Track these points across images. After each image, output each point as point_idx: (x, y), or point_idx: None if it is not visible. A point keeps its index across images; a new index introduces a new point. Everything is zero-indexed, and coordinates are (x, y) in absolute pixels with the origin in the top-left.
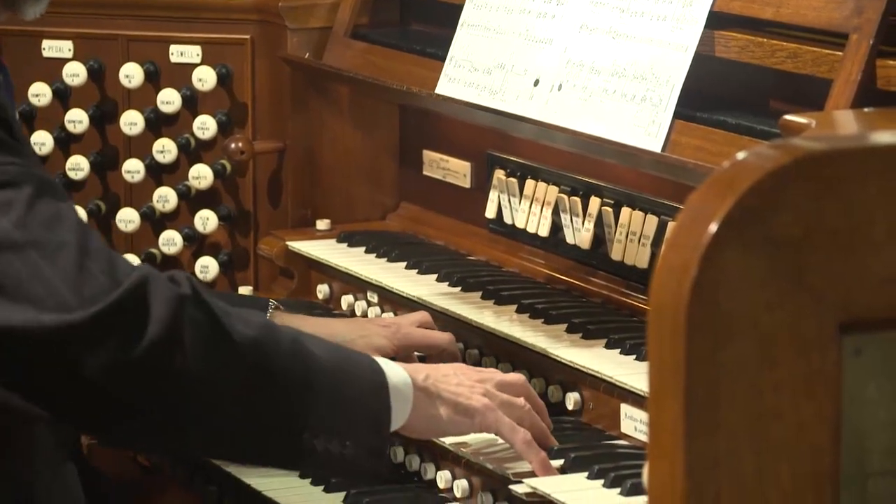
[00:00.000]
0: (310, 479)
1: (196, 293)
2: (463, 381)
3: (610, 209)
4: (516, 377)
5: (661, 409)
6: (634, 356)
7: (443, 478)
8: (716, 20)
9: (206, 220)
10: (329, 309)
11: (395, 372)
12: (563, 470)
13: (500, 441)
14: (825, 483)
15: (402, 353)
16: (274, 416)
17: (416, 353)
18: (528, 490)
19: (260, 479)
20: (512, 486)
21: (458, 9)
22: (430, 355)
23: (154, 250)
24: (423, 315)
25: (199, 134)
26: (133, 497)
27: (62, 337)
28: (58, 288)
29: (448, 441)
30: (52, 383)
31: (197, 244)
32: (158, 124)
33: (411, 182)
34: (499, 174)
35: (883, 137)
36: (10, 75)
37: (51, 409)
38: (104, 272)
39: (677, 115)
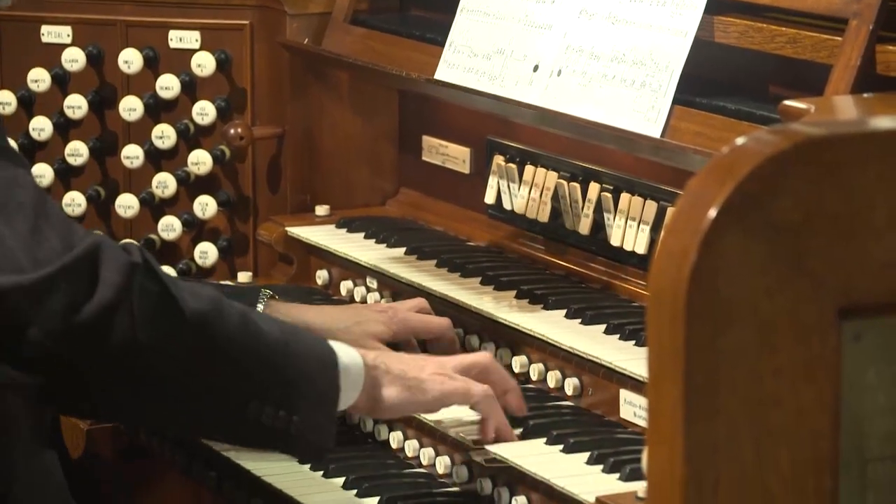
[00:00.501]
0: (309, 465)
1: (147, 263)
2: (417, 360)
3: (609, 195)
4: (480, 355)
5: (661, 395)
6: (634, 341)
7: (412, 447)
8: (715, 5)
9: (205, 206)
10: (328, 295)
11: (347, 353)
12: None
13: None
14: (824, 468)
15: (399, 338)
16: (219, 388)
17: (414, 340)
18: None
19: (259, 465)
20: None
21: None
22: (429, 341)
23: (153, 236)
24: (420, 301)
25: (198, 119)
26: (131, 483)
27: (13, 298)
28: (11, 249)
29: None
30: (5, 344)
31: (196, 230)
32: (157, 110)
33: (411, 168)
34: (498, 160)
35: (882, 123)
36: (9, 62)
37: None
38: (59, 236)
39: (676, 100)
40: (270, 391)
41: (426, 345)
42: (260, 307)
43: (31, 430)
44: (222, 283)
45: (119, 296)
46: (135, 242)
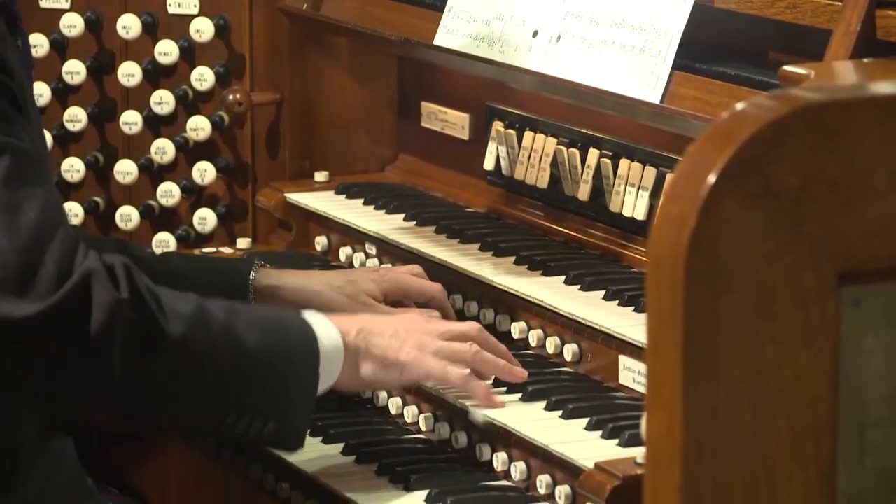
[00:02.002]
0: (308, 431)
1: (134, 292)
2: (399, 333)
3: (608, 161)
4: (468, 325)
5: (660, 360)
6: (633, 307)
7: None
8: None
9: (204, 172)
10: (327, 261)
11: (328, 334)
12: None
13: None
14: (823, 433)
15: (390, 299)
16: (197, 401)
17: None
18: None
19: None
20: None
21: None
22: (421, 304)
23: (152, 202)
24: (414, 267)
25: (196, 85)
26: (132, 452)
27: (3, 328)
28: (6, 264)
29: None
30: None
31: (195, 196)
32: (156, 76)
33: (410, 134)
34: (497, 126)
35: (882, 88)
36: None
37: None
38: (56, 261)
39: (676, 66)
40: (246, 404)
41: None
42: (252, 274)
43: (40, 417)
44: (214, 253)
45: (105, 334)
46: (122, 262)
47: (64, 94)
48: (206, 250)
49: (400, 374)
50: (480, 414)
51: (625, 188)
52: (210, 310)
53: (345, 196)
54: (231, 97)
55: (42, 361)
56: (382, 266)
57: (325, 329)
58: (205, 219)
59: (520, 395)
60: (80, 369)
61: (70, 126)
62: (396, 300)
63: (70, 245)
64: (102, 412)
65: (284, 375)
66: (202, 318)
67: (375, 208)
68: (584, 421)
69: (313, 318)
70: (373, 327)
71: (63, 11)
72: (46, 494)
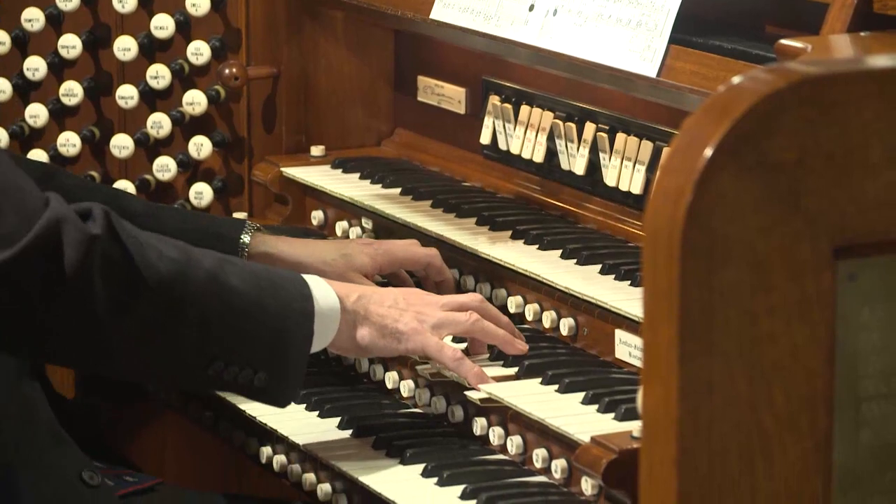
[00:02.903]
0: (305, 405)
1: (110, 230)
2: (399, 303)
3: (605, 135)
4: (469, 296)
5: (656, 334)
6: (629, 282)
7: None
8: None
9: (200, 147)
10: (323, 235)
11: (324, 295)
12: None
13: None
14: (819, 406)
15: (385, 272)
16: (180, 348)
17: (405, 274)
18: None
19: (255, 406)
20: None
21: None
22: (420, 273)
23: (148, 177)
24: (411, 242)
25: (192, 60)
26: (127, 424)
27: None
28: None
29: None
30: None
31: (191, 170)
32: (152, 50)
33: (406, 108)
34: (494, 100)
35: (879, 61)
36: (3, 1)
37: None
38: (14, 210)
39: (672, 39)
40: (235, 352)
41: (421, 284)
42: (246, 238)
43: (10, 360)
44: (208, 214)
45: (81, 273)
46: (100, 205)
47: (60, 69)
48: None
49: (397, 343)
50: (477, 394)
51: (621, 162)
52: (198, 255)
53: (341, 170)
54: (227, 71)
55: (20, 309)
56: (376, 240)
57: (323, 290)
58: (201, 193)
59: (516, 369)
60: (61, 314)
61: (66, 100)
62: (392, 272)
63: (25, 189)
64: (88, 360)
65: (277, 328)
66: (189, 261)
67: (372, 182)
68: (581, 395)
69: (311, 279)
70: (372, 295)
71: None
72: (20, 440)
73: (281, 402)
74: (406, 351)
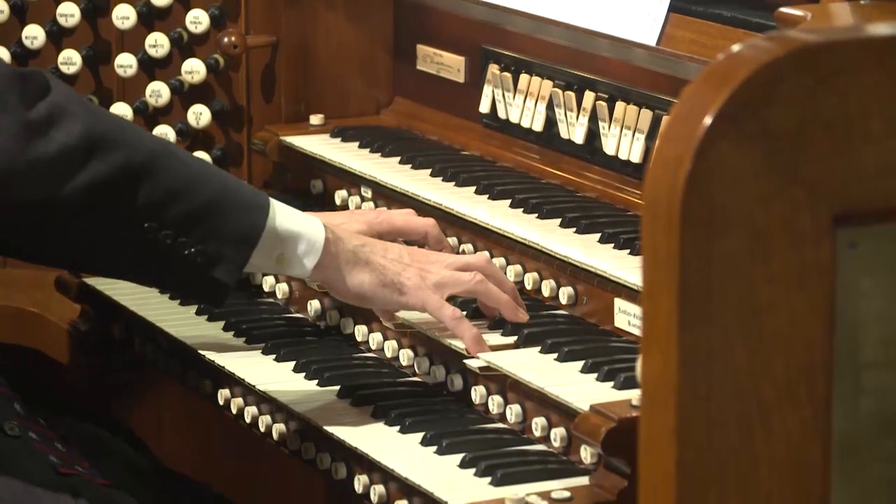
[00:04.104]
0: (304, 374)
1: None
2: (404, 258)
3: (604, 103)
4: (476, 256)
5: (655, 303)
6: (628, 251)
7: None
8: None
9: (199, 115)
10: (323, 204)
11: (306, 221)
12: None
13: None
14: (818, 374)
15: (385, 240)
16: (116, 206)
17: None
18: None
19: (254, 374)
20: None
21: None
22: (418, 243)
23: None
24: (409, 212)
25: (191, 28)
26: (124, 393)
27: None
28: None
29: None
30: None
31: (190, 139)
32: (151, 18)
33: (405, 76)
34: (493, 69)
35: (879, 29)
36: None
37: None
38: None
39: (672, 7)
40: (170, 213)
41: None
42: None
43: None
44: None
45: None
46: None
47: (58, 37)
48: None
49: (398, 295)
50: (476, 362)
51: (620, 131)
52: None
53: (340, 139)
54: (226, 40)
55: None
56: (373, 209)
57: (309, 218)
58: None
59: (515, 337)
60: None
61: (64, 69)
62: (391, 241)
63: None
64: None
65: (224, 202)
66: (120, 120)
67: (371, 151)
68: (580, 364)
69: (297, 213)
70: (376, 245)
71: None
72: None
73: (216, 294)
74: (405, 304)
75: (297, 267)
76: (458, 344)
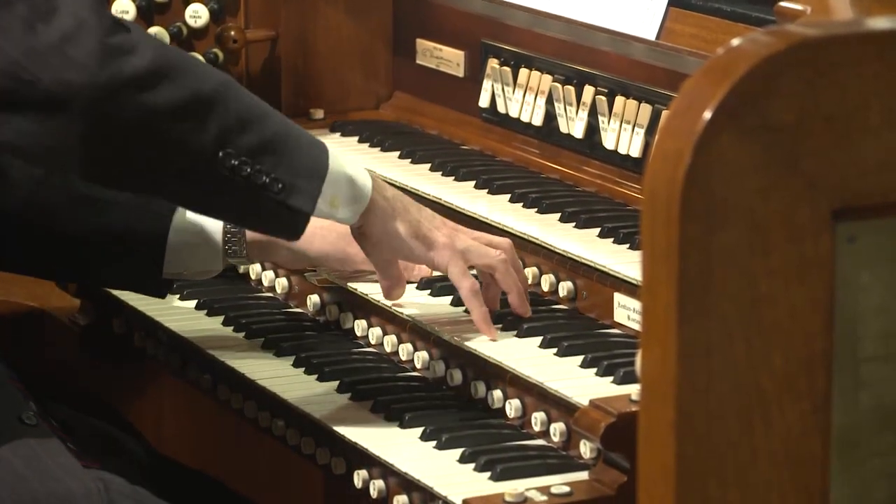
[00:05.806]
0: (304, 369)
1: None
2: (435, 219)
3: (604, 98)
4: (501, 239)
5: (654, 296)
6: (628, 245)
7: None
8: None
9: None
10: None
11: (355, 167)
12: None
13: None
14: (818, 368)
15: None
16: (186, 132)
17: None
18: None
19: (254, 368)
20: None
21: None
22: None
23: None
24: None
25: (191, 22)
26: (124, 386)
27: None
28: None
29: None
30: None
31: None
32: (150, 13)
33: (405, 71)
34: (492, 63)
35: (878, 23)
36: None
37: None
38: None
39: (672, 2)
40: (243, 141)
41: None
42: None
43: None
44: None
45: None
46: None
47: None
48: None
49: (426, 249)
50: (477, 353)
51: (620, 125)
52: None
53: (340, 134)
54: (226, 34)
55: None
56: None
57: (356, 166)
58: None
59: (515, 332)
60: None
61: None
62: None
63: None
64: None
65: (290, 136)
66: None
67: (370, 146)
68: (579, 358)
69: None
70: (411, 202)
71: None
72: None
73: (296, 222)
74: (431, 260)
75: (345, 210)
76: (459, 339)
